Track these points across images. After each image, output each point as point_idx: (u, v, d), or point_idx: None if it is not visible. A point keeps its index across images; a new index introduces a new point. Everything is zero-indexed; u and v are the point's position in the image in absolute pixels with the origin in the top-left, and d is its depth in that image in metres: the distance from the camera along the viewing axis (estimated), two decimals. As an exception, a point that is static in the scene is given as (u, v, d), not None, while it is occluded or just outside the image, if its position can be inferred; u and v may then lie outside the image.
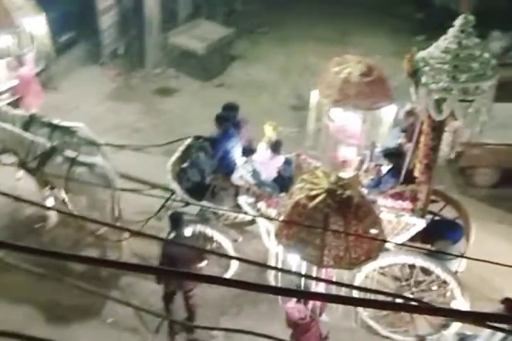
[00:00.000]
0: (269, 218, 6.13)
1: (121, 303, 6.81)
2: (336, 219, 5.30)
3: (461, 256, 6.53)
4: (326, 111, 7.06)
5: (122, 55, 12.34)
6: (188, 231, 6.82)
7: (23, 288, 7.30)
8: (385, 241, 5.98)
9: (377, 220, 5.57)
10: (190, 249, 6.36)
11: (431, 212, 7.03)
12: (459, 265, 6.68)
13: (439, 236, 6.77)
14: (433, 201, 7.04)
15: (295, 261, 5.39)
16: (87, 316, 7.27)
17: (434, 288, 6.82)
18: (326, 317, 6.27)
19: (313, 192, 5.34)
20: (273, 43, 12.46)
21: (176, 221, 6.55)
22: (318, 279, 5.47)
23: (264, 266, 5.35)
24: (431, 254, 6.59)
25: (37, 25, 9.64)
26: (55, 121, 7.95)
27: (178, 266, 6.29)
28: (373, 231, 5.51)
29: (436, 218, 7.10)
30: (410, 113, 7.09)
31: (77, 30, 12.14)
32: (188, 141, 7.58)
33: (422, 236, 6.73)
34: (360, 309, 6.77)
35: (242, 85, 11.28)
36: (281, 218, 5.56)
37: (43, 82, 10.43)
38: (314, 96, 7.10)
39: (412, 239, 6.68)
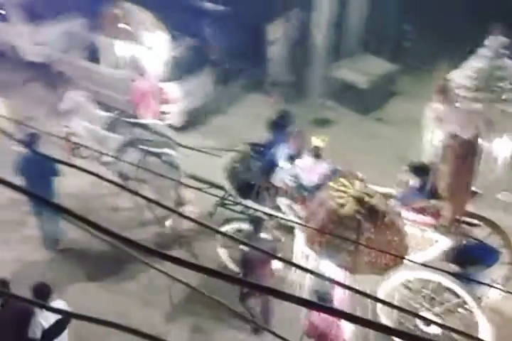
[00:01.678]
0: (303, 225, 6.45)
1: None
2: (367, 226, 5.62)
3: (483, 283, 6.48)
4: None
5: (285, 84, 13.60)
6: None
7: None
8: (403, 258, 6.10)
9: (400, 227, 5.93)
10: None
11: (468, 236, 7.20)
12: (488, 291, 6.65)
13: (471, 259, 6.79)
14: (474, 225, 7.25)
15: (327, 268, 5.85)
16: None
17: (461, 310, 6.77)
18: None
19: (343, 200, 5.72)
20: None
21: (258, 225, 7.19)
22: (345, 287, 5.27)
23: (301, 268, 5.29)
24: (459, 276, 6.67)
25: (157, 41, 10.79)
26: (135, 120, 9.43)
27: (256, 268, 6.96)
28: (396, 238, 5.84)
29: (473, 241, 7.15)
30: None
31: (246, 59, 13.66)
32: (242, 145, 8.51)
33: (455, 257, 6.89)
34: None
35: (401, 121, 11.39)
36: (313, 225, 5.89)
37: (212, 105, 11.00)
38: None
39: (444, 258, 6.88)
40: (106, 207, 9.68)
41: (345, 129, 12.12)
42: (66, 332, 6.23)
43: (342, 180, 5.95)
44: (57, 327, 5.98)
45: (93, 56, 12.23)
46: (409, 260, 6.11)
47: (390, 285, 6.81)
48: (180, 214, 7.07)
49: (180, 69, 11.91)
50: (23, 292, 6.10)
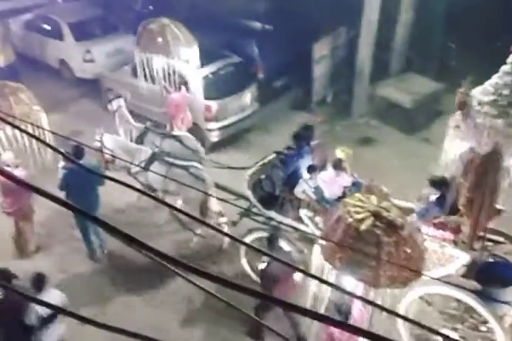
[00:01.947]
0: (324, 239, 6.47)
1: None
2: (387, 240, 5.68)
3: (504, 302, 6.43)
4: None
5: (330, 102, 13.12)
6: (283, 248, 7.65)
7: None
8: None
9: (419, 241, 5.95)
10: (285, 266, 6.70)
11: (492, 253, 7.11)
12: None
13: (493, 277, 6.69)
14: (499, 242, 7.19)
15: (347, 283, 5.92)
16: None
17: (482, 328, 6.77)
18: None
19: (361, 216, 5.77)
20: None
21: (272, 243, 7.33)
22: (364, 300, 5.52)
23: (320, 280, 5.29)
24: (480, 293, 6.60)
25: (189, 55, 11.26)
26: (165, 131, 9.86)
27: (276, 280, 7.09)
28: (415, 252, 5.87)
29: (497, 259, 7.06)
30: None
31: (292, 77, 13.98)
32: (270, 157, 8.77)
33: (477, 274, 6.81)
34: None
35: (446, 140, 11.04)
36: (333, 241, 5.95)
37: (256, 124, 11.23)
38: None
39: (465, 275, 6.86)
40: (146, 221, 9.96)
41: (389, 148, 12.08)
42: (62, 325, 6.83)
43: (357, 195, 6.04)
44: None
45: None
46: (428, 276, 6.17)
47: (409, 299, 6.87)
48: (206, 224, 7.20)
49: (226, 87, 12.09)
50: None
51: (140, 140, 9.73)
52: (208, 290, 2.63)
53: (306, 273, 4.76)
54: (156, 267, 7.29)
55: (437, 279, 6.25)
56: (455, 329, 6.87)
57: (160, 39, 10.95)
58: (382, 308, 5.00)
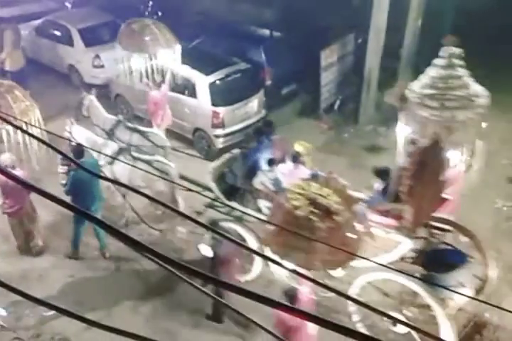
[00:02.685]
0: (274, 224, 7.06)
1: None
2: (321, 226, 6.19)
3: (442, 286, 6.88)
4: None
5: (337, 110, 14.38)
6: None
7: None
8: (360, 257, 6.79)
9: (353, 225, 6.58)
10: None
11: (437, 239, 7.67)
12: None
13: (437, 262, 7.23)
14: (445, 230, 7.71)
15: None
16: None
17: (429, 312, 7.24)
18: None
19: (299, 202, 6.33)
20: (495, 108, 12.13)
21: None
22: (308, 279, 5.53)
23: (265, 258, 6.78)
24: (423, 278, 7.14)
25: (168, 55, 11.82)
26: (134, 126, 10.43)
27: (223, 265, 7.66)
28: (352, 235, 6.52)
29: (441, 245, 7.66)
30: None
31: (299, 84, 14.36)
32: (235, 151, 9.44)
33: (422, 260, 7.36)
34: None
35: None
36: (272, 223, 6.63)
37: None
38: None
39: (413, 262, 7.45)
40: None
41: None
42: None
43: (301, 183, 6.64)
44: None
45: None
46: (374, 262, 6.68)
47: (358, 285, 7.44)
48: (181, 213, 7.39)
49: (234, 94, 12.27)
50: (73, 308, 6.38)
51: (111, 132, 10.38)
52: (210, 294, 2.65)
53: (253, 251, 5.06)
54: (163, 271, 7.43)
55: (382, 265, 6.68)
56: (403, 313, 7.36)
57: (139, 38, 11.64)
58: (333, 291, 5.26)
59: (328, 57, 13.68)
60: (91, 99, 11.11)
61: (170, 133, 12.25)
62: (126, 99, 13.71)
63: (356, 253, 6.31)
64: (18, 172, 8.71)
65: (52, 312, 7.87)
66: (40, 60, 16.00)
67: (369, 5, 12.51)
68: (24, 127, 7.92)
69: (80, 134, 10.08)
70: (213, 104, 12.20)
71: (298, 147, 9.07)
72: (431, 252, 7.43)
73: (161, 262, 2.22)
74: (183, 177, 9.93)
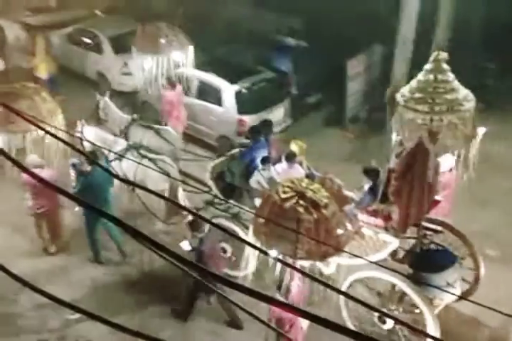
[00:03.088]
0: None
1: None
2: (307, 218, 6.54)
3: (432, 285, 7.14)
4: None
5: (363, 119, 14.47)
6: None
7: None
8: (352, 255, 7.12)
9: (342, 220, 6.95)
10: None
11: (428, 240, 7.86)
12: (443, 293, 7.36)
13: (426, 262, 7.42)
14: (436, 231, 7.89)
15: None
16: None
17: (416, 311, 7.50)
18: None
19: (288, 195, 6.69)
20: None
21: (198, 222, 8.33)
22: (296, 270, 6.36)
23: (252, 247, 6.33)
24: (412, 278, 7.38)
25: (182, 56, 12.30)
26: (148, 124, 10.75)
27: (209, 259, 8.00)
28: (340, 231, 6.82)
29: (431, 246, 7.89)
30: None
31: (325, 93, 14.49)
32: (234, 151, 9.81)
33: (412, 259, 7.55)
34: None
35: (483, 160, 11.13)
36: (259, 216, 6.96)
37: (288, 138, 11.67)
38: None
39: (402, 261, 7.73)
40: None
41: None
42: None
43: (293, 179, 7.02)
44: None
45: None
46: (366, 259, 6.96)
47: (348, 283, 7.68)
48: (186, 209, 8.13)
49: (260, 102, 12.36)
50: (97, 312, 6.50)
51: (126, 131, 10.73)
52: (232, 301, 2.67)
53: (243, 240, 5.71)
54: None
55: (374, 263, 6.99)
56: (390, 311, 7.62)
57: (154, 40, 12.12)
58: (325, 284, 5.45)
59: (355, 67, 13.94)
60: (105, 100, 11.53)
61: (194, 139, 12.45)
62: (153, 106, 13.99)
63: (342, 248, 6.70)
64: (46, 172, 8.98)
65: (77, 315, 8.08)
66: (70, 66, 16.50)
67: (396, 15, 12.52)
68: (48, 129, 8.21)
69: (90, 133, 10.53)
70: (239, 112, 12.45)
71: (293, 147, 9.35)
72: (420, 252, 7.70)
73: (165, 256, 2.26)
74: (186, 175, 10.27)
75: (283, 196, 6.52)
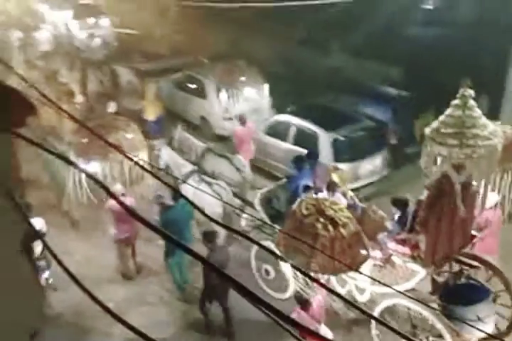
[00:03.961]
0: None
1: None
2: (324, 234, 6.96)
3: (459, 320, 7.12)
4: None
5: None
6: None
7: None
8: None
9: (362, 240, 7.39)
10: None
11: (462, 274, 7.93)
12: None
13: (458, 296, 7.42)
14: (472, 266, 7.95)
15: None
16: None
17: None
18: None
19: (309, 211, 7.14)
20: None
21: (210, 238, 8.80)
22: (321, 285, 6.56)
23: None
24: (440, 310, 7.52)
25: (253, 94, 14.07)
26: (222, 153, 11.68)
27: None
28: (361, 249, 7.40)
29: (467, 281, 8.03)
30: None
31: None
32: (283, 181, 10.57)
33: (443, 291, 7.57)
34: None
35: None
36: (282, 231, 7.77)
37: (384, 189, 11.36)
38: None
39: (432, 292, 7.84)
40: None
41: None
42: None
43: (318, 198, 7.68)
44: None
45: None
46: (394, 289, 7.15)
47: (379, 310, 7.91)
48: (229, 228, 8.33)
49: (357, 151, 12.32)
50: None
51: (201, 157, 11.78)
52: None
53: (271, 252, 6.09)
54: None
55: (400, 292, 7.24)
56: (419, 339, 7.98)
57: (234, 76, 14.00)
58: (347, 301, 5.90)
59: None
60: (180, 131, 12.93)
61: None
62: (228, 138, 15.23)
63: (357, 267, 7.13)
64: (129, 199, 9.94)
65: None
66: (175, 110, 17.72)
67: (502, 64, 12.19)
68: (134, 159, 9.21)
69: (166, 153, 11.99)
70: (336, 160, 12.78)
71: (334, 177, 9.97)
72: (453, 285, 7.93)
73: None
74: (243, 201, 11.05)
75: (304, 212, 7.12)
